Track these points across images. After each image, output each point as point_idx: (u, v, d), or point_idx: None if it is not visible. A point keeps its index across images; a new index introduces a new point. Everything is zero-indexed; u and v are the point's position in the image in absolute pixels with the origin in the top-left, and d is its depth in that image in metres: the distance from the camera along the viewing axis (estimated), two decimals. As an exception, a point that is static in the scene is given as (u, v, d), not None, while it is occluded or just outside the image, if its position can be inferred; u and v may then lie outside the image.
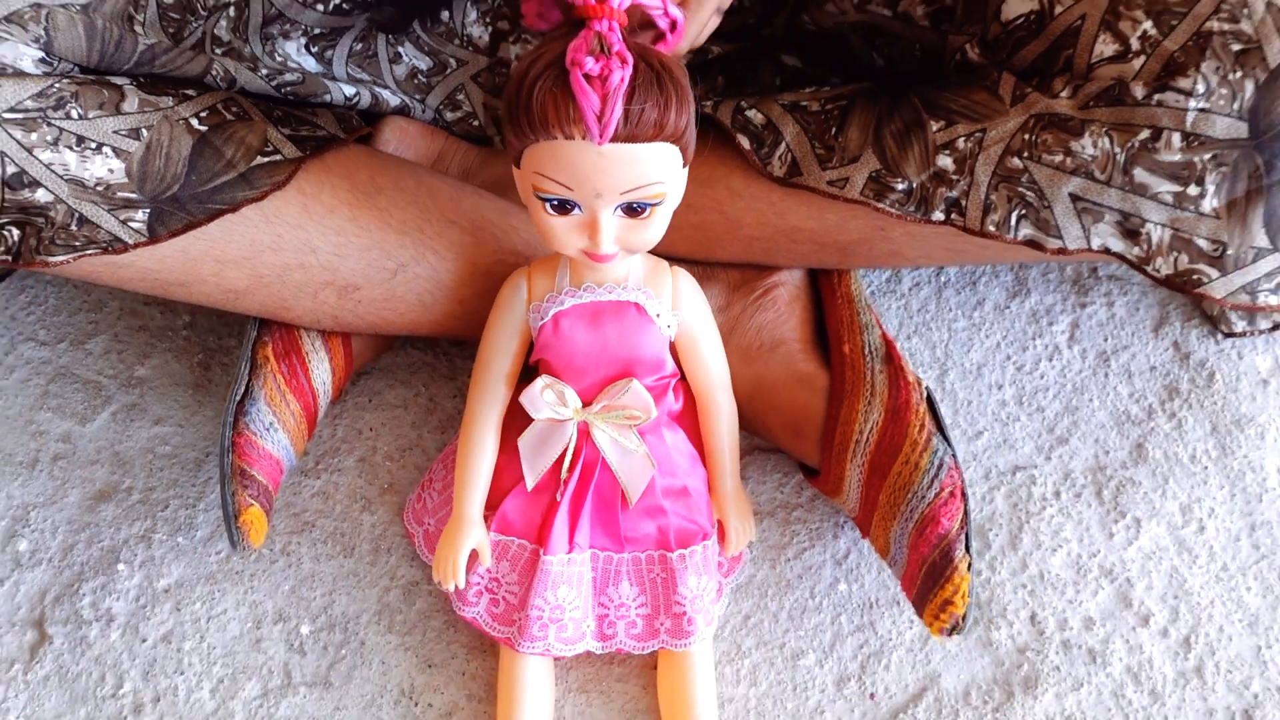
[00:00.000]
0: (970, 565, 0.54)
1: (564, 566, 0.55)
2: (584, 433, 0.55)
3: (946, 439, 0.57)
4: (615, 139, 0.45)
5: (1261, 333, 0.69)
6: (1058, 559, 0.63)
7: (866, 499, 0.58)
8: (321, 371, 0.62)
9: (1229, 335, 0.70)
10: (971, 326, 0.71)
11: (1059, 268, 0.73)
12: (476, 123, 0.73)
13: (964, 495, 0.55)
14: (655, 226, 0.49)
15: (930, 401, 0.58)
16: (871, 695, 0.60)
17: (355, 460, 0.66)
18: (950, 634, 0.54)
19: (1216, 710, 0.58)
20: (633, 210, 0.48)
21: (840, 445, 0.59)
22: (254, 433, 0.57)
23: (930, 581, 0.54)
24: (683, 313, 0.55)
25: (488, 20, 0.73)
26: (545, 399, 0.54)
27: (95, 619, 0.61)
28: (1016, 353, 0.70)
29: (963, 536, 0.54)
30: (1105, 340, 0.70)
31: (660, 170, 0.47)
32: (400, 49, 0.71)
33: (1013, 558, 0.63)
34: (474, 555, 0.55)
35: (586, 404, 0.54)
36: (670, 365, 0.56)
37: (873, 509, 0.58)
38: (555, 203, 0.48)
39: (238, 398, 0.58)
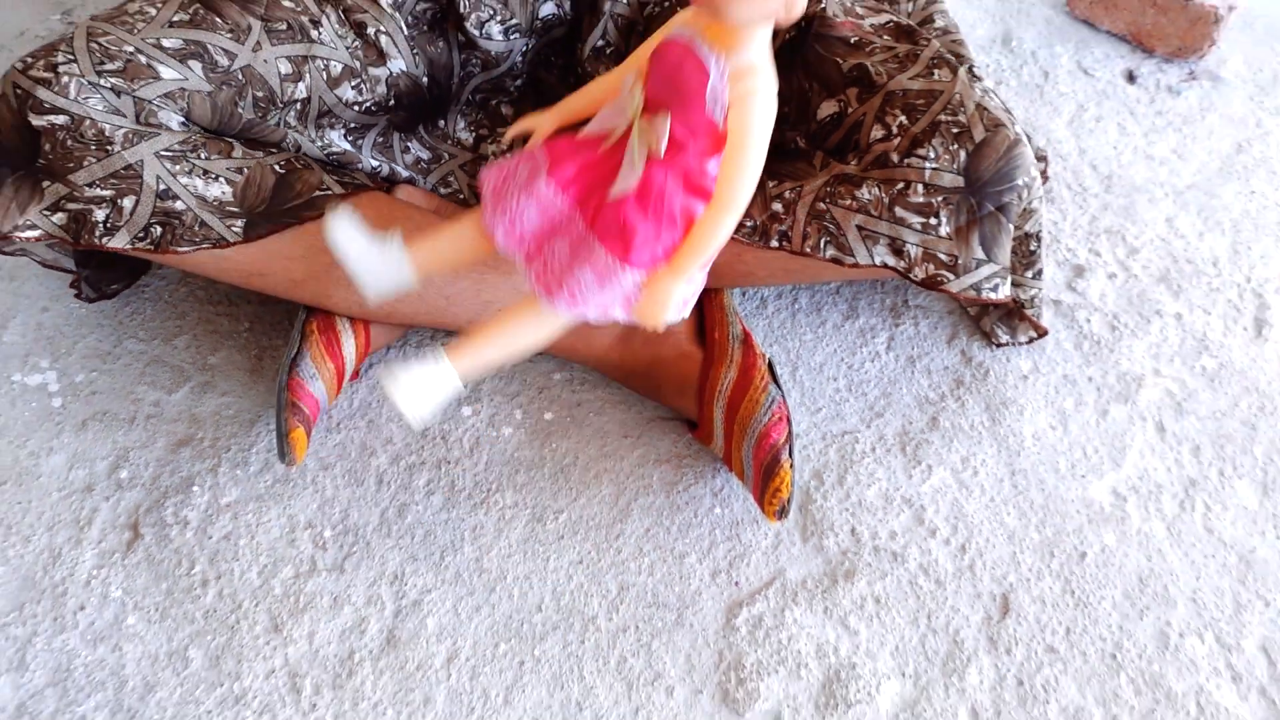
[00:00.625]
0: (793, 465, 0.78)
1: (547, 195, 0.68)
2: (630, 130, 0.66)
3: (779, 388, 0.83)
4: None
5: (1021, 344, 0.96)
6: (872, 492, 0.87)
7: (727, 435, 0.84)
8: (349, 345, 0.87)
9: (999, 345, 0.97)
10: (816, 338, 0.97)
11: (881, 297, 1.00)
12: (462, 197, 1.01)
13: (788, 420, 0.80)
14: None
15: (770, 367, 0.84)
16: (736, 583, 0.83)
17: (365, 422, 0.91)
18: (780, 516, 0.78)
19: (983, 594, 0.82)
20: None
21: (708, 395, 0.85)
22: (302, 378, 0.82)
23: (765, 478, 0.79)
24: (732, 105, 0.63)
25: (472, 127, 1.02)
26: (626, 84, 0.68)
27: (175, 523, 0.84)
28: (848, 356, 0.96)
29: (787, 446, 0.79)
30: (913, 349, 0.97)
31: None
32: (409, 143, 0.99)
33: (839, 491, 0.87)
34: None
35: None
36: (716, 138, 0.65)
37: (730, 441, 0.83)
38: None
39: (292, 355, 0.83)
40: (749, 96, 0.64)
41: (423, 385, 0.70)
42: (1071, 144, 1.13)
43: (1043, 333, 0.94)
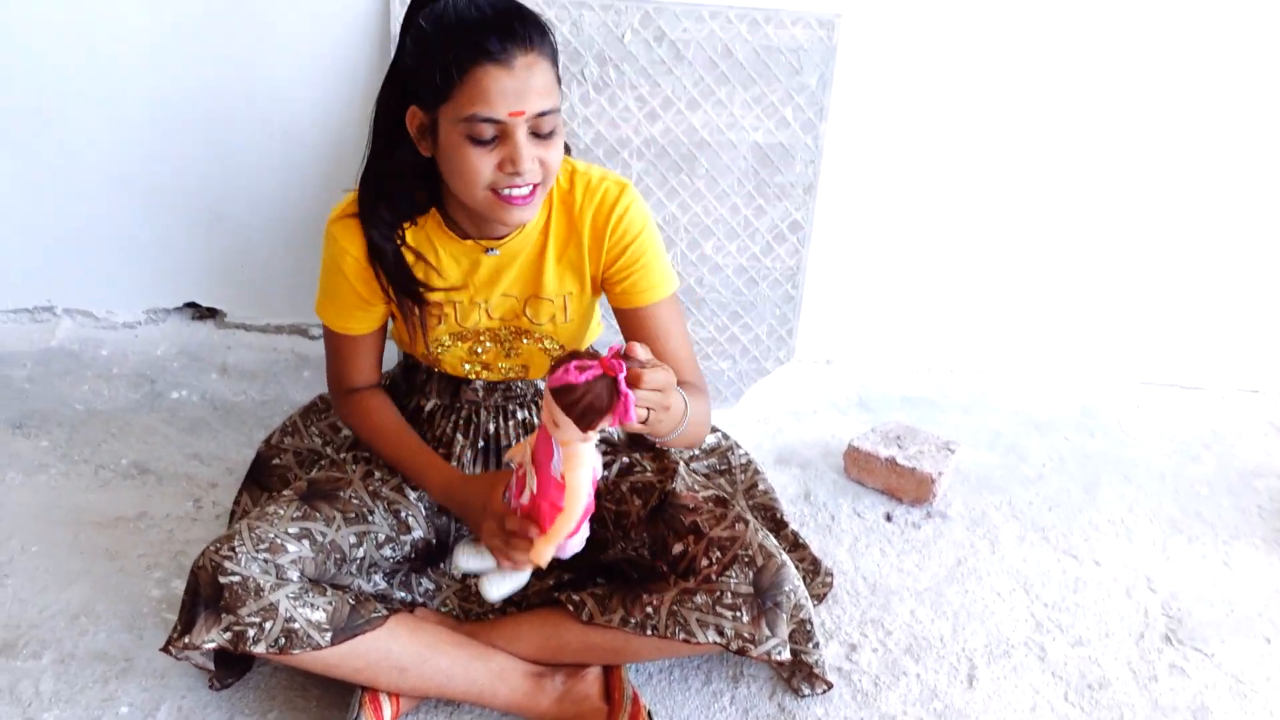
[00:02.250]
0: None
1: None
2: None
3: None
4: None
5: (817, 694, 1.50)
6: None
7: None
8: (388, 710, 1.39)
9: (802, 696, 1.50)
10: (684, 698, 1.49)
11: (725, 669, 1.54)
12: (456, 614, 1.56)
13: None
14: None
15: (649, 715, 1.37)
16: None
17: (394, 764, 1.40)
18: None
19: None
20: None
21: None
22: (359, 733, 1.34)
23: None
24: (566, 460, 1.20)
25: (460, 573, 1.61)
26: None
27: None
28: (704, 709, 1.48)
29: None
30: (746, 703, 1.48)
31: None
32: (420, 579, 1.57)
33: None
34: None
35: None
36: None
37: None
38: None
39: (353, 717, 1.35)
40: (574, 463, 1.19)
41: None
42: (850, 563, 1.74)
43: (829, 686, 1.49)
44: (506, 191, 1.31)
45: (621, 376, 1.13)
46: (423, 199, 1.43)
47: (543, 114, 1.27)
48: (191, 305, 2.27)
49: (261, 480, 1.68)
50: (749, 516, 1.48)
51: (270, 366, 2.17)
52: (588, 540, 1.57)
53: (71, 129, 2.04)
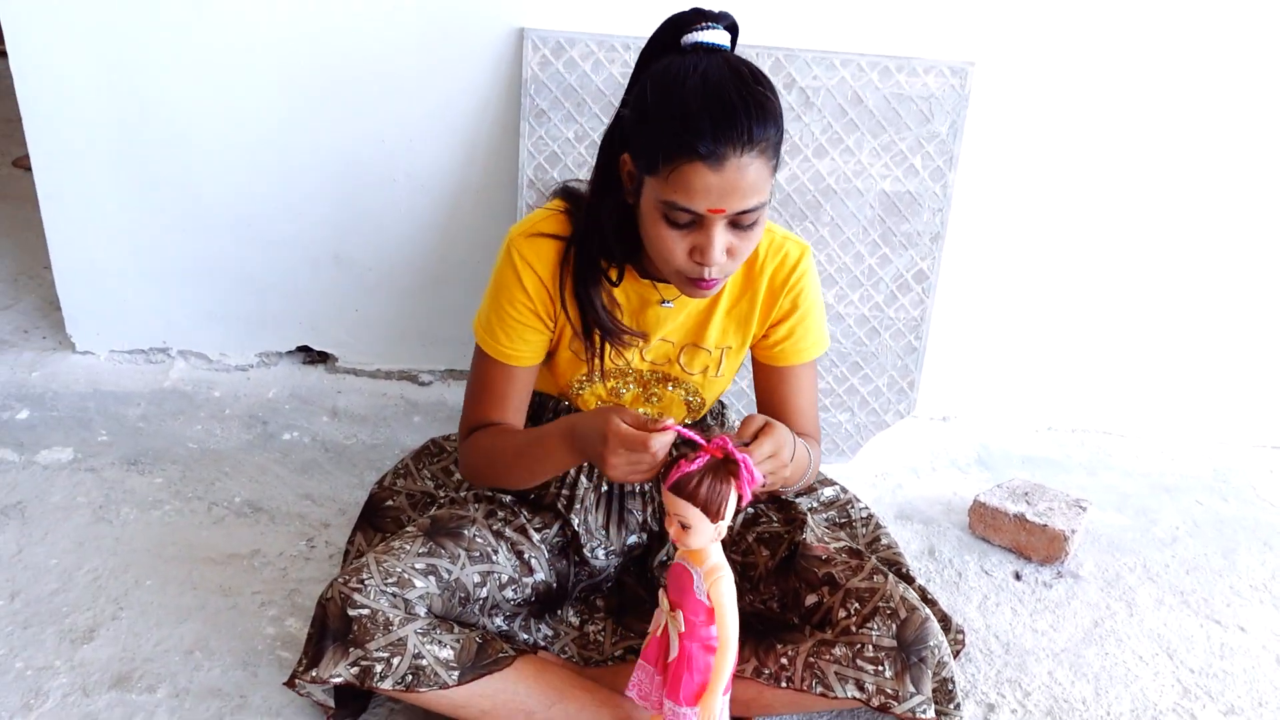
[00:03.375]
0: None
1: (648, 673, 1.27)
2: None
3: None
4: None
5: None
6: None
7: None
8: None
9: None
10: (815, 755, 1.44)
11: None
12: (576, 661, 1.51)
13: None
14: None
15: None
16: None
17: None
18: None
19: None
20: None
21: None
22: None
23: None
24: (709, 586, 1.18)
25: (578, 615, 1.56)
26: (662, 607, 1.26)
27: None
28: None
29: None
30: None
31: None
32: (540, 625, 1.52)
33: None
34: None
35: None
36: (708, 611, 1.20)
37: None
38: None
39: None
40: (716, 579, 1.18)
41: None
42: (980, 622, 1.67)
43: (968, 750, 1.41)
44: (694, 275, 1.27)
45: (732, 446, 1.14)
46: (637, 247, 1.35)
47: (747, 211, 1.21)
48: (303, 349, 2.28)
49: (374, 521, 1.65)
50: (886, 569, 1.42)
51: (380, 411, 2.16)
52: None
53: (195, 170, 2.08)
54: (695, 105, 1.16)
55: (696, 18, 1.23)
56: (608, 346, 1.43)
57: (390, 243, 2.09)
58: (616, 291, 1.41)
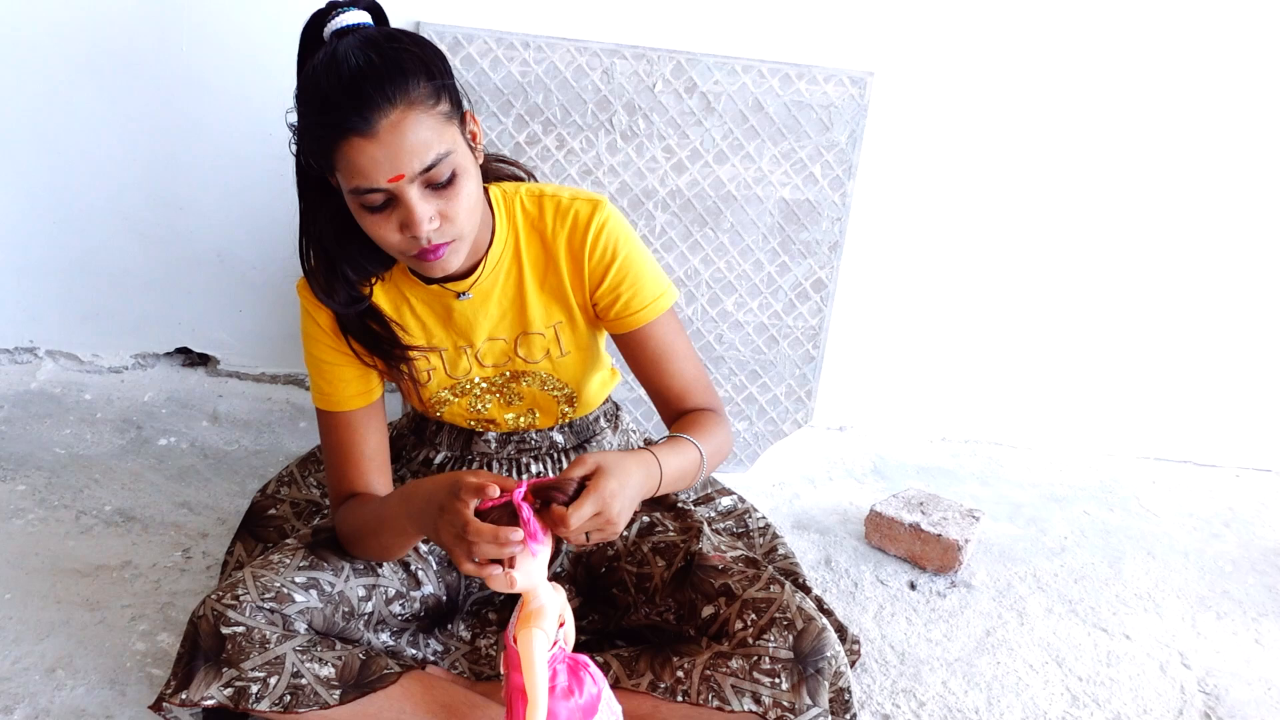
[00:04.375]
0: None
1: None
2: None
3: None
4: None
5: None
6: None
7: None
8: None
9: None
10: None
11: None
12: (466, 675, 1.46)
13: None
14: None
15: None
16: None
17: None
18: None
19: None
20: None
21: None
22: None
23: None
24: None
25: (469, 629, 1.51)
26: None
27: None
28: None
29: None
30: None
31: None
32: (429, 640, 1.46)
33: None
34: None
35: None
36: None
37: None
38: None
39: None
40: (526, 626, 1.12)
41: None
42: (876, 632, 1.67)
43: (864, 761, 1.40)
44: (415, 250, 1.21)
45: (519, 494, 1.11)
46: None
47: (430, 166, 1.16)
48: (183, 351, 2.18)
49: (256, 531, 1.58)
50: (783, 579, 1.41)
51: (264, 416, 2.07)
52: (606, 603, 1.48)
53: (66, 159, 1.97)
54: (327, 84, 1.13)
55: (330, 9, 1.21)
56: (409, 364, 1.38)
57: (277, 240, 2.01)
58: (419, 307, 1.37)
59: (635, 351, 1.43)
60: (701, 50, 1.76)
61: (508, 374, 1.45)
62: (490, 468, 1.52)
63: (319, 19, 1.21)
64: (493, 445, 1.51)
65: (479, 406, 1.47)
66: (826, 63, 1.80)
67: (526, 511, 1.11)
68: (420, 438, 1.56)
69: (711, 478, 1.72)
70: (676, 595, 1.41)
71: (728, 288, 1.89)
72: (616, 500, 1.17)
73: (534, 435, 1.52)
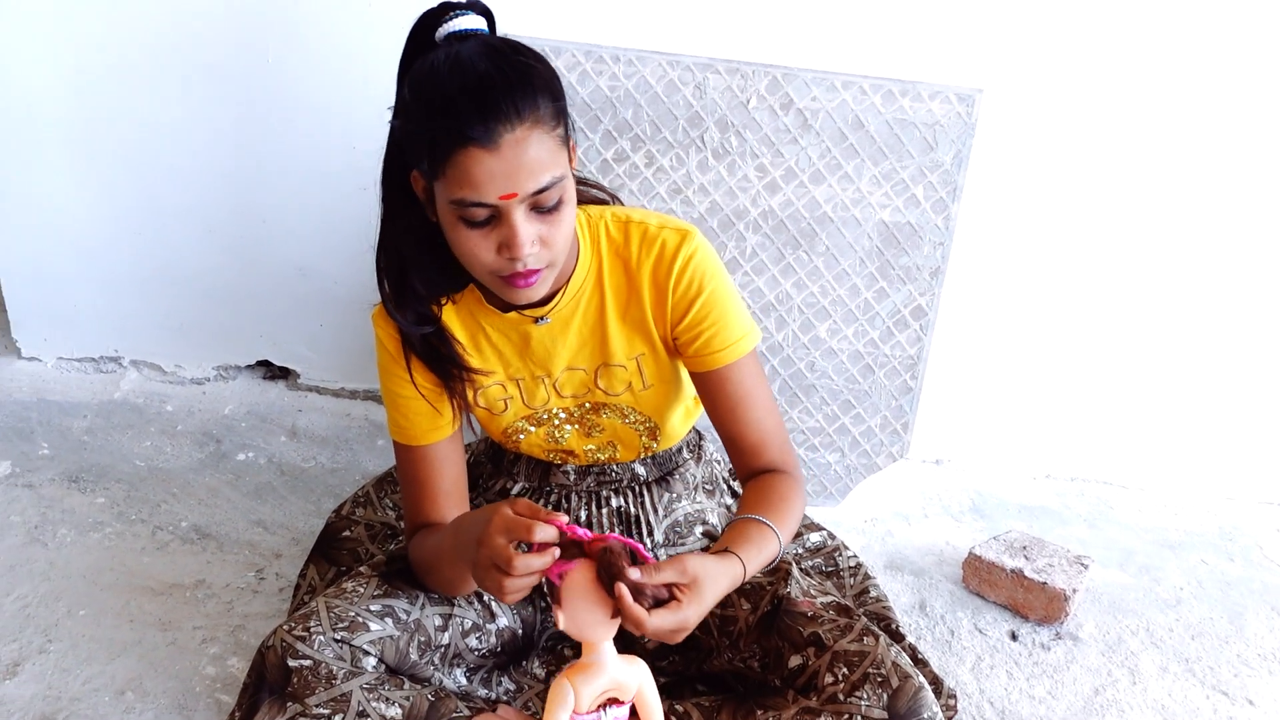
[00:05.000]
0: None
1: None
2: None
3: None
4: None
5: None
6: None
7: None
8: None
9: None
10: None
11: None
12: (538, 715, 1.40)
13: None
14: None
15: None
16: None
17: None
18: None
19: None
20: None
21: None
22: None
23: None
24: None
25: (544, 666, 1.44)
26: None
27: None
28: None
29: None
30: None
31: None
32: (502, 679, 1.40)
33: None
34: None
35: None
36: None
37: None
38: None
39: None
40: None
41: None
42: (974, 686, 1.56)
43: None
44: (510, 274, 1.16)
45: (551, 531, 1.07)
46: (459, 270, 1.24)
47: (543, 189, 1.11)
48: (264, 364, 2.16)
49: (330, 554, 1.54)
50: (878, 629, 1.32)
51: (342, 433, 2.04)
52: (688, 645, 1.40)
53: (153, 172, 1.97)
54: (452, 88, 1.07)
55: (444, 10, 1.15)
56: (466, 387, 1.32)
57: (358, 255, 1.97)
58: (495, 336, 1.32)
59: (711, 393, 1.35)
60: (798, 65, 1.68)
61: (587, 405, 1.38)
62: (569, 500, 1.45)
63: (431, 20, 1.16)
64: (571, 477, 1.45)
65: (557, 436, 1.40)
66: (932, 79, 1.70)
67: (559, 559, 1.08)
68: (497, 466, 1.51)
69: (801, 512, 1.64)
70: (762, 642, 1.33)
71: (821, 313, 1.80)
72: (696, 616, 1.12)
73: (616, 468, 1.45)
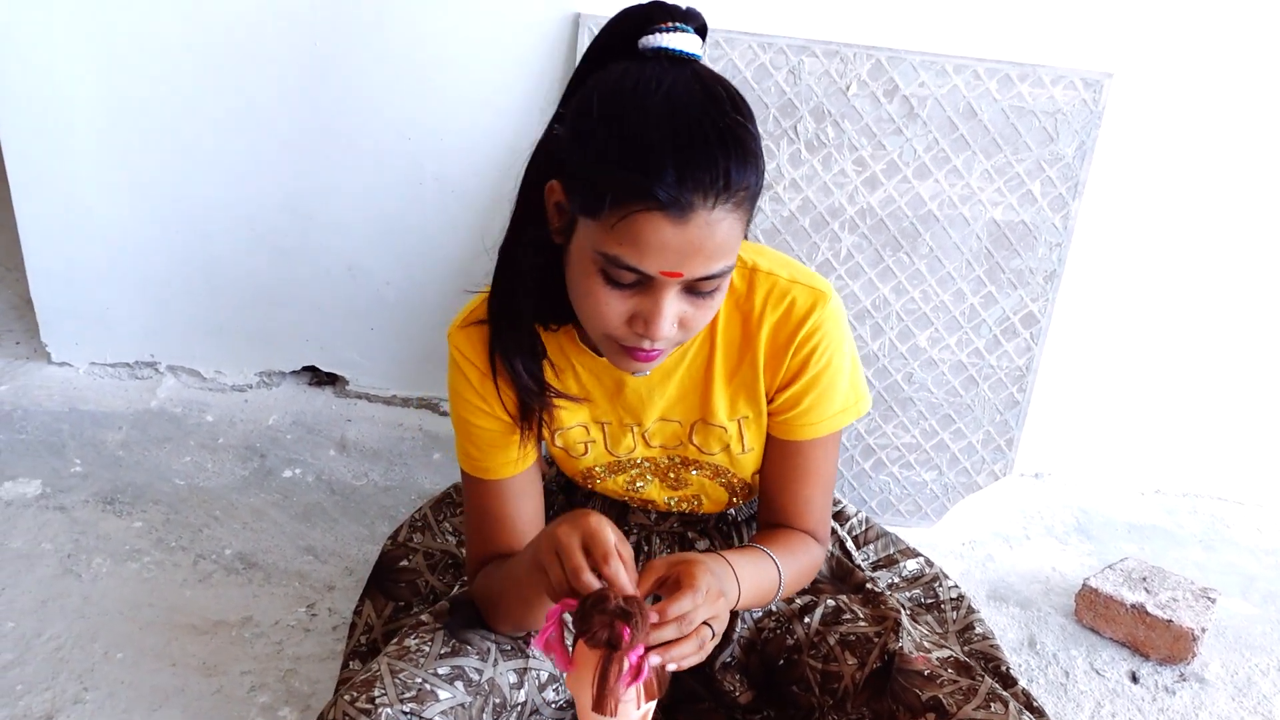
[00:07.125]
0: None
1: None
2: None
3: None
4: None
5: None
6: None
7: None
8: None
9: None
10: None
11: None
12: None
13: None
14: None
15: None
16: None
17: None
18: None
19: None
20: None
21: None
22: None
23: None
24: None
25: None
26: None
27: None
28: None
29: None
30: None
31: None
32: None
33: None
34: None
35: None
36: None
37: None
38: None
39: None
40: None
41: None
42: (1097, 738, 1.42)
43: None
44: (631, 344, 1.00)
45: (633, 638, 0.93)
46: (568, 306, 1.08)
47: (711, 276, 0.95)
48: (310, 370, 2.02)
49: (386, 587, 1.41)
50: (1004, 693, 1.17)
51: (395, 445, 1.90)
52: (786, 702, 1.26)
53: (189, 167, 1.82)
54: (657, 135, 0.89)
55: (661, 15, 0.96)
56: (544, 429, 1.18)
57: (413, 253, 1.83)
58: (585, 376, 1.17)
59: (776, 454, 1.22)
60: (905, 48, 1.51)
61: (677, 459, 1.23)
62: (650, 542, 1.31)
63: (639, 19, 0.97)
64: (652, 518, 1.31)
65: (638, 485, 1.26)
66: (1055, 62, 1.52)
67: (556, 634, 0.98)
68: (570, 498, 1.37)
69: (895, 535, 1.49)
70: (873, 704, 1.18)
71: (922, 321, 1.63)
72: (709, 600, 1.00)
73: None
